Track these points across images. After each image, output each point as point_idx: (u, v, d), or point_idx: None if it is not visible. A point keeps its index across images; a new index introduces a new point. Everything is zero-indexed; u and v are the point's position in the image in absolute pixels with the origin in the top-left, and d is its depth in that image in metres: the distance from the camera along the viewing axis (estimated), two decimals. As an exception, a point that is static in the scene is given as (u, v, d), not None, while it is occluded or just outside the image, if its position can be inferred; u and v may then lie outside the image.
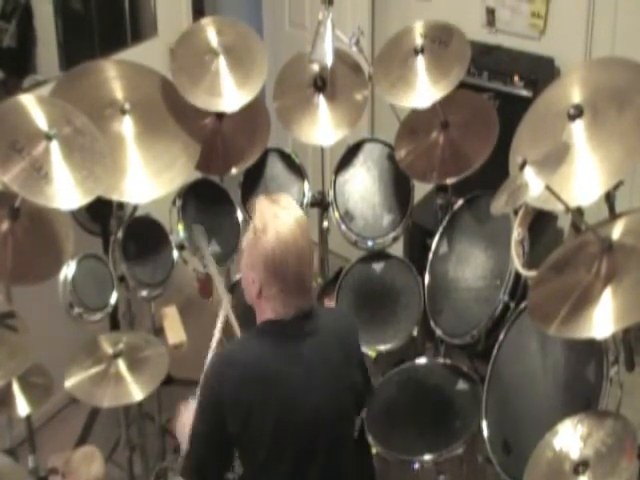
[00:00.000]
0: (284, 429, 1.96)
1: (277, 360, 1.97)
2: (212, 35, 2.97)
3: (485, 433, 2.45)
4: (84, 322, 2.69)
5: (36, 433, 2.81)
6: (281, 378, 1.96)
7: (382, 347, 2.95)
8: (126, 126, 2.76)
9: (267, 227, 1.91)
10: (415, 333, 3.00)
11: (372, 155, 3.25)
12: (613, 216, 2.14)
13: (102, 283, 2.74)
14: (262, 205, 1.97)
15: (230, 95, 2.91)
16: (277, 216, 1.92)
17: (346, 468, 2.11)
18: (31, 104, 2.39)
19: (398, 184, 3.18)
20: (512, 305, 2.62)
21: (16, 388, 2.52)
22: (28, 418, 2.61)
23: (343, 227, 3.17)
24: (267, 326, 2.00)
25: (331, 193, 3.20)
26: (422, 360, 2.92)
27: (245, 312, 3.08)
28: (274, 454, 1.98)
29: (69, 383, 2.51)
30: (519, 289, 2.62)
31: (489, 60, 3.60)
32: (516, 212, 2.57)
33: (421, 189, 3.38)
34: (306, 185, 3.24)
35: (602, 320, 1.86)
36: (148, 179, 2.75)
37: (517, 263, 2.50)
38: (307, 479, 2.02)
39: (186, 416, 2.11)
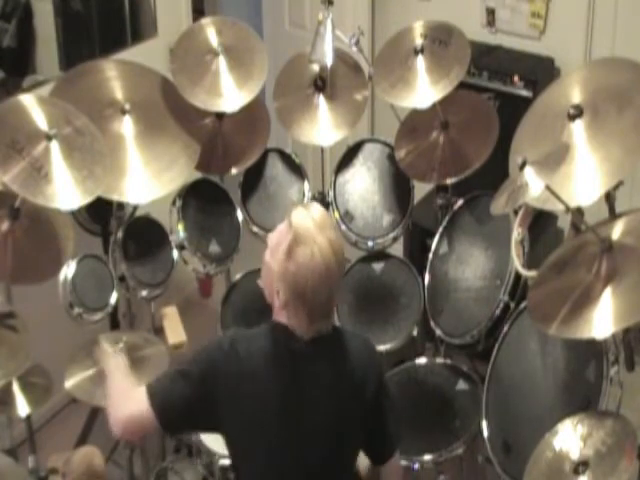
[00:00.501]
0: (270, 440, 1.94)
1: (277, 371, 1.93)
2: (212, 35, 2.97)
3: (485, 433, 2.45)
4: (84, 322, 2.68)
5: (36, 433, 2.81)
6: (276, 391, 1.92)
7: (382, 347, 2.95)
8: (126, 126, 2.76)
9: (302, 248, 1.83)
10: (415, 333, 3.00)
11: (372, 155, 3.25)
12: (613, 216, 2.14)
13: (102, 283, 2.74)
14: (300, 218, 1.87)
15: (230, 95, 2.92)
16: (313, 238, 1.83)
17: None
18: (31, 104, 2.39)
19: (398, 184, 3.18)
20: (512, 305, 2.62)
21: (16, 388, 2.52)
22: (28, 418, 2.61)
23: (343, 227, 3.17)
24: (281, 331, 1.94)
25: (331, 193, 3.20)
26: (422, 360, 2.91)
27: (244, 312, 3.11)
28: (262, 460, 1.97)
29: (69, 383, 2.50)
30: (519, 289, 2.62)
31: (489, 60, 3.60)
32: (516, 212, 2.57)
33: (421, 189, 3.38)
34: (306, 185, 3.24)
35: (602, 320, 1.86)
36: (148, 179, 2.75)
37: (517, 263, 2.50)
38: None
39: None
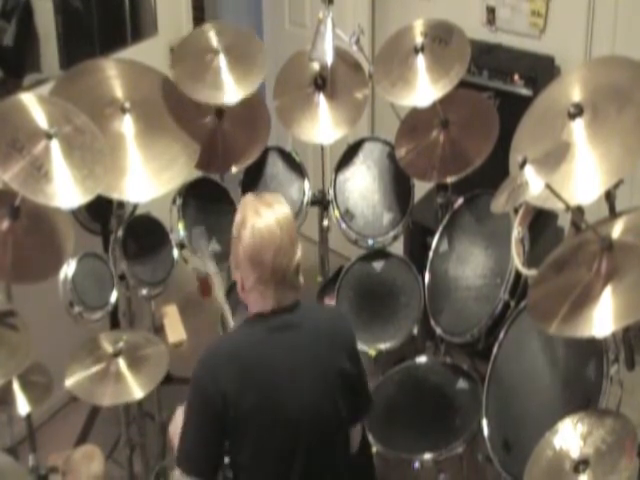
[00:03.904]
0: (266, 418, 1.98)
1: (258, 350, 2.01)
2: (212, 36, 2.99)
3: (485, 432, 2.45)
4: (84, 321, 2.69)
5: (36, 432, 2.81)
6: (262, 367, 1.99)
7: (382, 346, 2.95)
8: (126, 125, 2.77)
9: (245, 221, 1.97)
10: (415, 332, 3.00)
11: (372, 154, 3.25)
12: (613, 215, 2.14)
13: (102, 282, 2.74)
14: (245, 201, 2.04)
15: (230, 88, 2.92)
16: (257, 212, 1.97)
17: (330, 468, 2.10)
18: (31, 103, 2.39)
19: (398, 183, 3.18)
20: (512, 304, 2.62)
21: (16, 387, 2.52)
22: (28, 417, 2.61)
23: (343, 226, 3.17)
24: (251, 319, 2.06)
25: (331, 192, 3.20)
26: (422, 359, 2.92)
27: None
28: (259, 447, 2.01)
29: (69, 382, 2.50)
30: (519, 288, 2.62)
31: (489, 59, 3.60)
32: (516, 211, 2.57)
33: (421, 188, 3.38)
34: (306, 184, 3.24)
35: (602, 319, 1.86)
36: (148, 178, 2.75)
37: (517, 262, 2.50)
38: (290, 475, 2.03)
39: (180, 420, 2.10)
